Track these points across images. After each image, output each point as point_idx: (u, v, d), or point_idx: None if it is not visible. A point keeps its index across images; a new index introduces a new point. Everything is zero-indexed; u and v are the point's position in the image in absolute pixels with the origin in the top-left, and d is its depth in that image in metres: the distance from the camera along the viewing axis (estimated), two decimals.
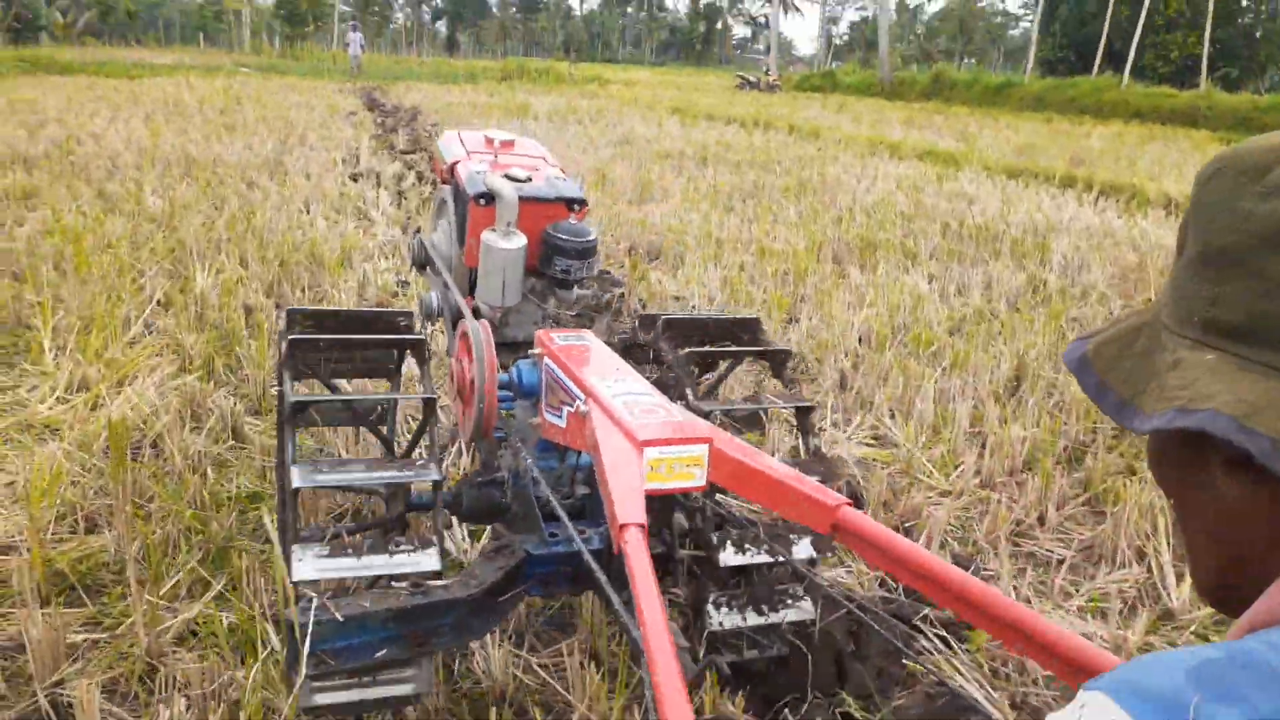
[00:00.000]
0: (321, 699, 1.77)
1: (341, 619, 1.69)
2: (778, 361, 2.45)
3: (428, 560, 1.84)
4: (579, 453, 2.01)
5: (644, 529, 1.35)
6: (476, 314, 2.45)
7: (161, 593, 2.41)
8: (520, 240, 2.38)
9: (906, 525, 3.12)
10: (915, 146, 14.66)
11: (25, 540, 2.57)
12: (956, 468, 3.56)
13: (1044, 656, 1.03)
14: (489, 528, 2.46)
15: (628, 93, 28.38)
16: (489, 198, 2.41)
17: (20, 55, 22.79)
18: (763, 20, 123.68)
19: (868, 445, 3.76)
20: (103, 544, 2.65)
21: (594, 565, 1.59)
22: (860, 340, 4.83)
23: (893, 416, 3.99)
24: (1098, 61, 32.80)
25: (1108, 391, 0.64)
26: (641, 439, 1.52)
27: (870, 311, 5.15)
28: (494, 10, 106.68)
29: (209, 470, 3.04)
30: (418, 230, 3.27)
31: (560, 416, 1.90)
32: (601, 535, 2.04)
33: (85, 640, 2.30)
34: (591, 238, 2.44)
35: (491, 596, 1.90)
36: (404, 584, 1.83)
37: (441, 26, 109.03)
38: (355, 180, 9.17)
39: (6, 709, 2.06)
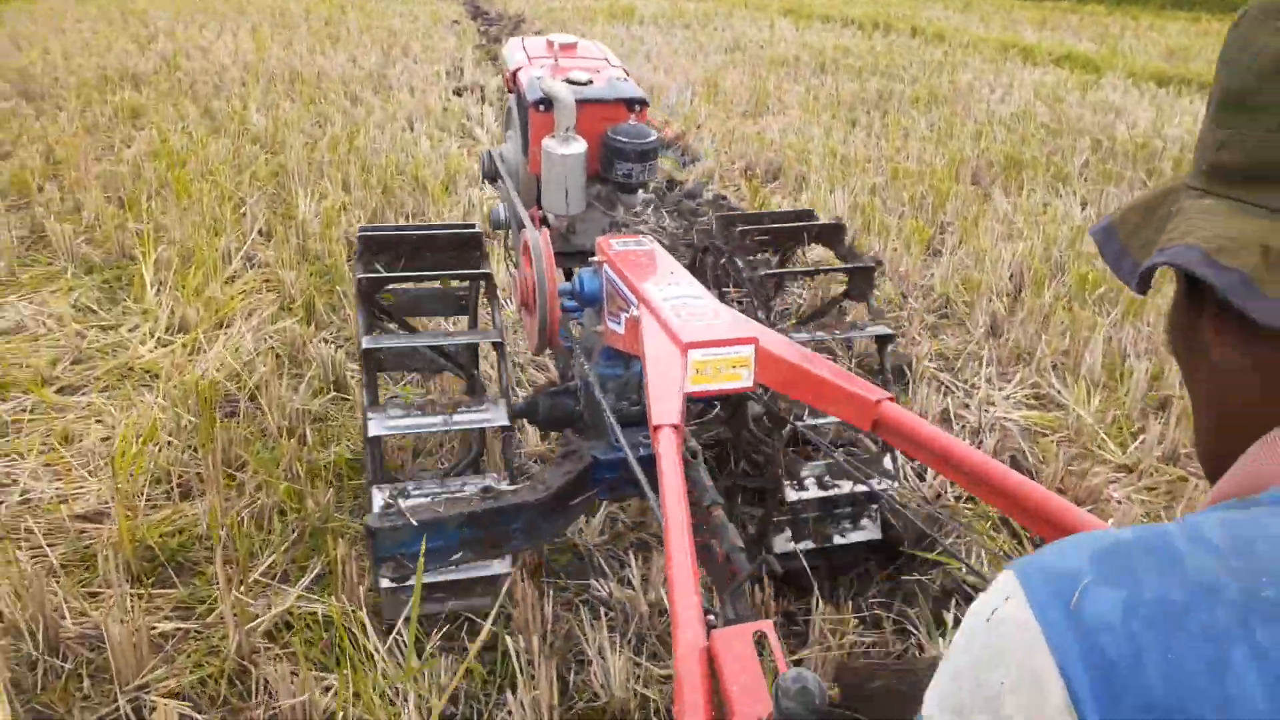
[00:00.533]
0: (406, 608, 1.86)
1: (416, 523, 1.74)
2: (863, 278, 2.33)
3: (497, 416, 1.99)
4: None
5: (677, 429, 1.38)
6: (545, 224, 2.44)
7: (252, 579, 2.20)
8: (580, 145, 2.31)
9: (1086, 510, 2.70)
10: (1051, 50, 13.47)
11: (114, 509, 2.39)
12: (1136, 437, 3.10)
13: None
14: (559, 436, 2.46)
15: None
16: (547, 103, 2.33)
17: None
18: None
19: (1029, 407, 3.31)
20: (196, 514, 2.46)
21: (639, 471, 1.58)
22: (1012, 279, 4.32)
23: (1056, 371, 3.52)
24: None
25: (1125, 258, 0.62)
26: (686, 340, 1.53)
27: (1023, 246, 4.60)
28: None
29: (307, 431, 2.82)
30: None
31: (619, 323, 1.90)
32: None
33: (174, 631, 2.10)
34: (652, 139, 2.35)
35: (560, 500, 1.93)
36: (475, 491, 1.92)
37: None
38: (459, 94, 8.84)
39: (90, 713, 1.88)
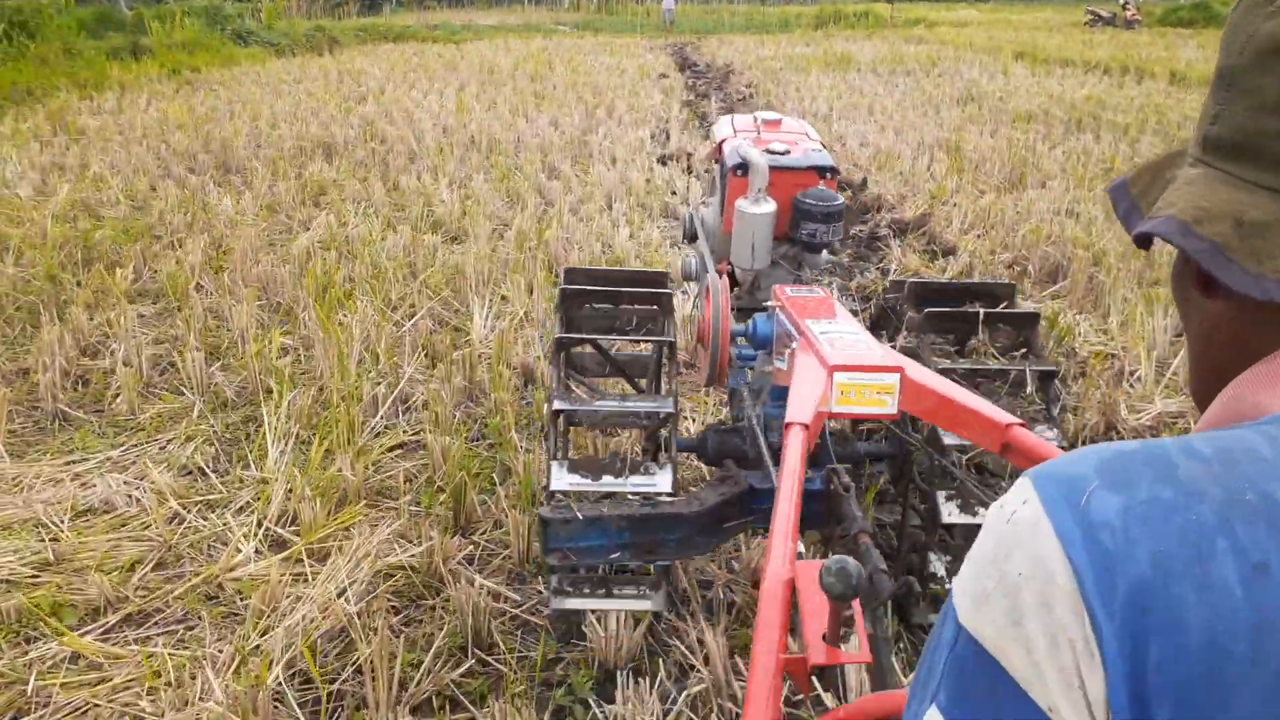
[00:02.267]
0: (570, 604, 2.08)
1: (582, 518, 1.92)
2: (1027, 325, 2.36)
3: (661, 482, 2.02)
4: None
5: (806, 428, 1.51)
6: (731, 278, 2.59)
7: None
8: (769, 206, 2.45)
9: None
10: None
11: None
12: None
13: None
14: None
15: (957, 35, 25.35)
16: (743, 167, 2.48)
17: (360, 26, 24.04)
18: None
19: None
20: None
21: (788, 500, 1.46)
22: None
23: None
24: None
25: (1134, 215, 0.66)
26: (831, 364, 1.69)
27: None
28: None
29: None
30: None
31: (784, 360, 2.00)
32: (822, 477, 2.02)
33: None
34: (838, 203, 2.46)
35: (714, 519, 2.04)
36: (637, 497, 2.02)
37: None
38: (664, 164, 7.98)
39: None
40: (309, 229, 5.80)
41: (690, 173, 7.67)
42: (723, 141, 2.78)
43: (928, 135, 8.92)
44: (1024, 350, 2.40)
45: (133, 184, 6.70)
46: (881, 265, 5.34)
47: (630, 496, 2.02)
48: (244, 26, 19.52)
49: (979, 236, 5.69)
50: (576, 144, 8.55)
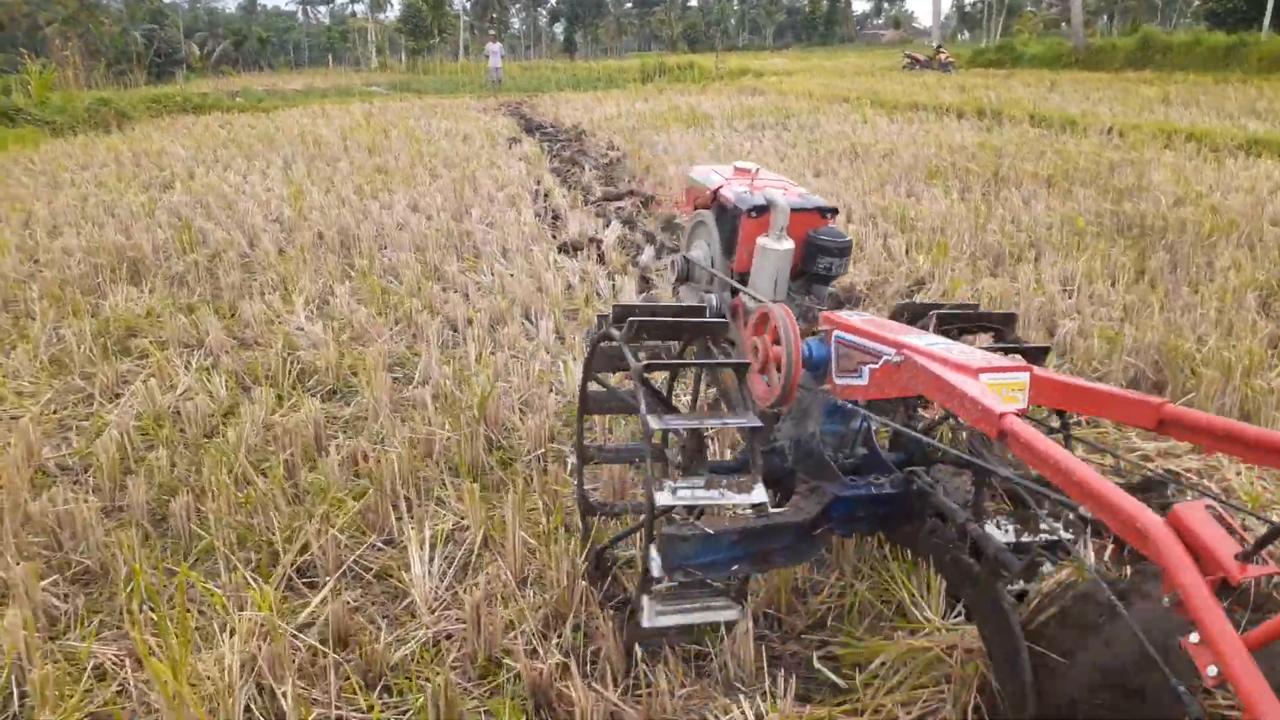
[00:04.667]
0: (662, 620, 2.07)
1: (710, 532, 2.00)
2: (1033, 356, 2.38)
3: (758, 494, 2.04)
4: (862, 419, 2.32)
5: (1019, 413, 1.58)
6: (747, 311, 2.72)
7: None
8: (790, 243, 2.66)
9: None
10: (1230, 135, 11.14)
11: None
12: None
13: None
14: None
15: (791, 84, 25.28)
16: (762, 209, 2.73)
17: (153, 96, 21.39)
18: None
19: None
20: None
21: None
22: None
23: None
24: (1269, 9, 28.39)
25: None
26: (976, 367, 1.78)
27: None
28: (609, 7, 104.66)
29: None
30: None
31: (860, 376, 2.12)
32: (892, 482, 2.27)
33: None
34: (848, 239, 2.75)
35: (813, 527, 2.19)
36: (749, 511, 2.13)
37: (558, 29, 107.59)
38: (568, 254, 6.56)
39: None
40: (118, 398, 4.03)
41: (604, 262, 6.29)
42: (718, 189, 3.01)
43: (843, 201, 7.90)
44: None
45: None
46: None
47: (739, 511, 2.23)
48: (9, 103, 16.75)
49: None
50: (454, 234, 7.00)
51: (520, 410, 3.79)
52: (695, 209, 3.18)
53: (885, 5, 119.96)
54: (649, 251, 6.42)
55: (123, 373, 4.31)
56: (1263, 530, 1.23)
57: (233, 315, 5.14)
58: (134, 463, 3.38)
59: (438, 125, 15.70)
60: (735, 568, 2.06)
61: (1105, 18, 72.42)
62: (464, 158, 11.38)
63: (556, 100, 22.40)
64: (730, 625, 2.31)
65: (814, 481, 2.31)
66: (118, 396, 4.06)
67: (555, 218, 7.87)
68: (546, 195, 8.88)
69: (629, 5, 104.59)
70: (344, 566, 2.74)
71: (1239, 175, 8.33)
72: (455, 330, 4.94)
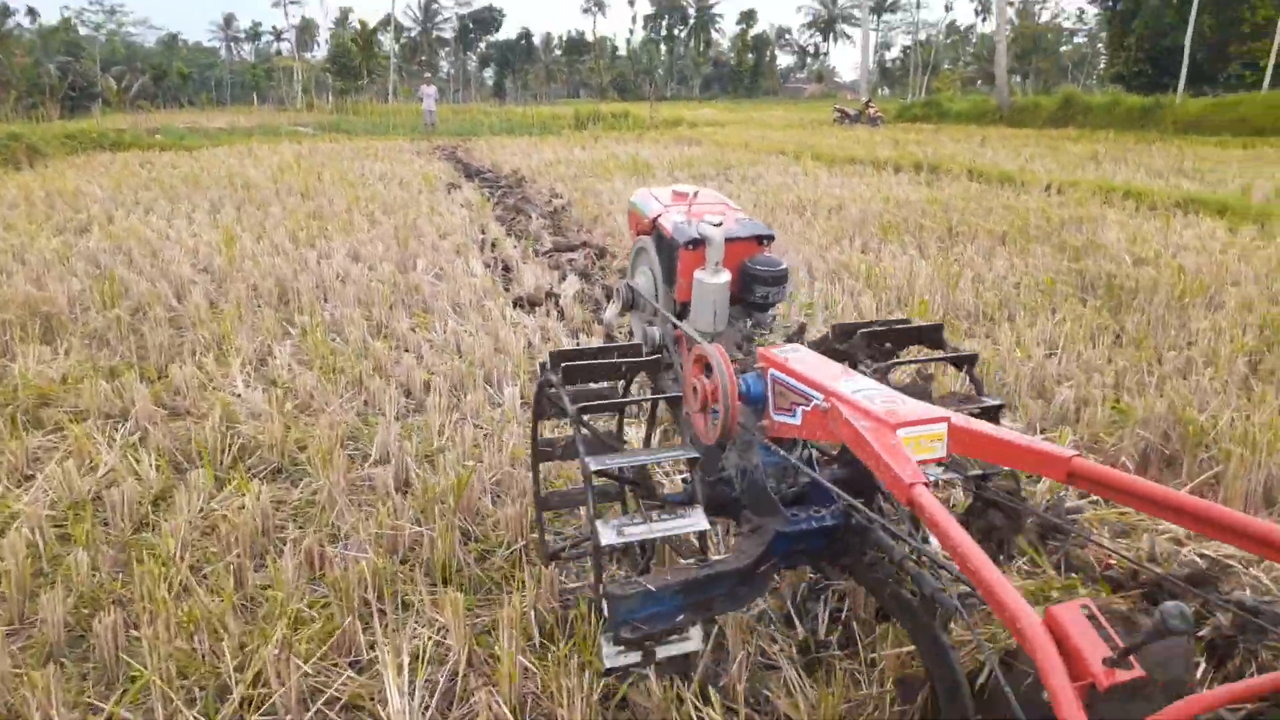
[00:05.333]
0: (622, 660, 2.07)
1: (652, 589, 2.00)
2: (966, 365, 2.56)
3: (699, 521, 2.12)
4: (803, 447, 2.39)
5: (928, 486, 1.61)
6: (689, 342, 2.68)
7: None
8: (726, 275, 2.66)
9: None
10: (1166, 195, 11.33)
11: None
12: None
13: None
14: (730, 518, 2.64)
15: (726, 135, 25.44)
16: (697, 242, 2.71)
17: (68, 132, 20.41)
18: (810, 49, 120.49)
19: None
20: None
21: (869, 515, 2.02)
22: None
23: None
24: (1184, 75, 29.78)
25: None
26: (893, 422, 1.78)
27: None
28: (539, 54, 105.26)
29: None
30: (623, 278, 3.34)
31: (794, 415, 2.14)
32: (833, 514, 2.29)
33: None
34: (783, 266, 2.71)
35: (755, 567, 2.19)
36: (691, 560, 2.29)
37: (487, 74, 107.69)
38: (525, 309, 6.21)
39: None
40: (29, 481, 3.53)
41: (564, 318, 5.95)
42: (657, 217, 2.99)
43: (807, 254, 7.71)
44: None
45: None
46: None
47: (683, 562, 2.34)
48: None
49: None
50: (400, 287, 6.59)
51: (494, 493, 3.41)
52: (637, 234, 3.19)
53: (809, 60, 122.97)
54: (612, 310, 6.10)
55: (34, 450, 3.80)
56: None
57: (161, 380, 4.65)
58: (47, 565, 2.90)
59: (372, 168, 15.23)
60: (680, 618, 2.10)
61: (1019, 77, 75.29)
62: (403, 203, 10.96)
63: (492, 145, 22.08)
64: (691, 655, 2.34)
65: (756, 520, 2.35)
66: (28, 479, 3.56)
67: (506, 269, 7.51)
68: (494, 245, 8.52)
69: (558, 53, 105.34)
70: (307, 700, 2.32)
71: (1183, 234, 8.40)
72: (410, 395, 4.54)
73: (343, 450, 3.72)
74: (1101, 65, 61.00)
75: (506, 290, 6.78)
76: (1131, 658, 1.19)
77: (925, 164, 15.77)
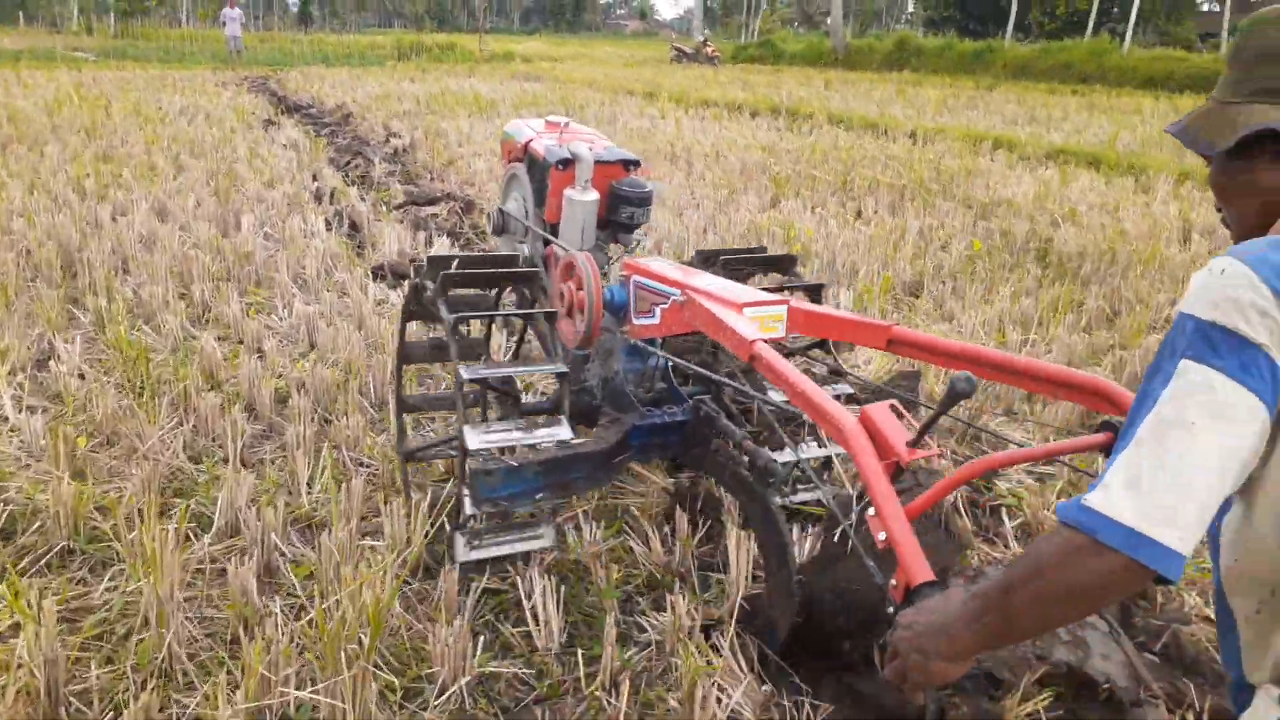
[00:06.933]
0: (475, 555, 2.27)
1: (514, 464, 2.14)
2: (814, 293, 2.69)
3: (564, 432, 2.27)
4: (659, 357, 2.60)
5: (765, 341, 1.85)
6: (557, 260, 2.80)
7: None
8: (595, 195, 2.78)
9: None
10: (1036, 145, 11.13)
11: None
12: None
13: (1060, 390, 1.60)
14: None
15: (566, 72, 24.15)
16: (568, 162, 2.81)
17: None
18: None
19: None
20: None
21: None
22: None
23: None
24: (1011, 22, 30.92)
25: (1200, 140, 1.11)
26: (739, 303, 2.04)
27: None
28: None
29: None
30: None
31: (653, 316, 2.35)
32: (683, 410, 2.55)
33: None
34: (649, 189, 2.84)
35: (612, 455, 2.39)
36: (551, 443, 2.29)
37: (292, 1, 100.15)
38: (387, 281, 5.05)
39: None
40: None
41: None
42: (529, 142, 3.09)
43: (705, 213, 6.83)
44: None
45: None
46: None
47: (544, 446, 2.28)
48: None
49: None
50: (225, 254, 5.26)
51: (422, 597, 2.38)
52: (510, 162, 3.27)
53: None
54: None
55: None
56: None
57: None
58: None
59: (171, 101, 13.17)
60: (540, 496, 2.22)
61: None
62: (214, 144, 9.30)
63: (308, 76, 19.93)
64: (545, 551, 2.44)
65: (615, 414, 2.54)
66: None
67: (354, 227, 6.25)
68: (334, 195, 7.18)
69: None
70: None
71: (1088, 194, 8.05)
72: (255, 415, 3.38)
73: (167, 523, 2.56)
74: (910, 8, 62.56)
75: (360, 256, 5.58)
76: (927, 437, 1.40)
77: (783, 108, 15.16)
